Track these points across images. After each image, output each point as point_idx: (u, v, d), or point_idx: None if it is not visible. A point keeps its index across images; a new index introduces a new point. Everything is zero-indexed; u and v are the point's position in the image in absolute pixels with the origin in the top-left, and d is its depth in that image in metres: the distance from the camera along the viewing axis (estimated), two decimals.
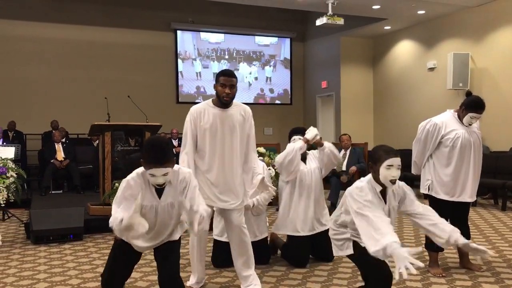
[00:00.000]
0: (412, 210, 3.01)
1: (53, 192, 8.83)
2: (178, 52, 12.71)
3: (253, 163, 3.62)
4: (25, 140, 10.42)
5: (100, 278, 3.22)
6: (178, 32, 12.70)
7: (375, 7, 9.90)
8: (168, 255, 2.91)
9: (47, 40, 11.29)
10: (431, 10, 10.11)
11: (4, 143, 8.47)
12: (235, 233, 3.50)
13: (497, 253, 4.63)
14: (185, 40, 12.83)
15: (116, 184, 5.23)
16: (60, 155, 8.96)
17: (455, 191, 3.92)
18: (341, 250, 3.02)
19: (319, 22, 9.58)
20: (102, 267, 4.05)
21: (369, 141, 11.06)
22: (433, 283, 3.73)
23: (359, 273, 3.42)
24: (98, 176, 6.92)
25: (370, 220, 2.69)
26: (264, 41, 13.66)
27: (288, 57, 13.95)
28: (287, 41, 13.93)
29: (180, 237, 3.03)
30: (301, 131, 4.34)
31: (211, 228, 4.38)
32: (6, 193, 5.32)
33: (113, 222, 2.63)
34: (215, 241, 4.28)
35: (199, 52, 12.96)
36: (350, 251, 2.97)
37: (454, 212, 4.00)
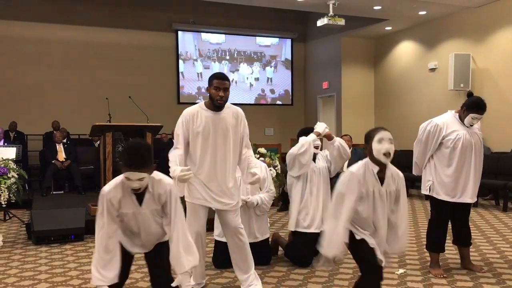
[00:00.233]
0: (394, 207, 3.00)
1: (54, 192, 8.84)
2: (179, 52, 12.72)
3: (248, 159, 3.61)
4: (26, 141, 10.43)
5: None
6: (179, 32, 12.71)
7: (376, 7, 9.90)
8: (157, 256, 2.92)
9: (48, 41, 11.31)
10: (432, 10, 10.11)
11: (6, 144, 8.46)
12: (232, 235, 3.50)
13: (498, 254, 4.63)
14: (186, 40, 12.84)
15: None
16: (61, 155, 8.96)
17: (456, 192, 3.91)
18: None
19: (320, 22, 9.59)
20: None
21: None
22: (434, 284, 3.72)
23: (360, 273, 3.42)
24: (99, 177, 6.92)
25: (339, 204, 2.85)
26: (265, 42, 13.67)
27: (289, 57, 13.96)
28: (288, 41, 13.93)
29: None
30: (310, 132, 4.37)
31: (212, 229, 4.40)
32: (7, 193, 5.31)
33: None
34: (216, 242, 4.29)
35: (200, 52, 12.96)
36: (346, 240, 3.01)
37: (455, 213, 4.00)
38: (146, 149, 2.73)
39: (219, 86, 3.41)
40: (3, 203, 5.34)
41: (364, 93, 12.73)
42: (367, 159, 2.93)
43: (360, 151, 7.83)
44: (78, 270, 4.24)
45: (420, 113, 10.60)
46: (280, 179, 7.22)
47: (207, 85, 3.51)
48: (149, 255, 2.99)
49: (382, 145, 2.83)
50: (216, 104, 3.44)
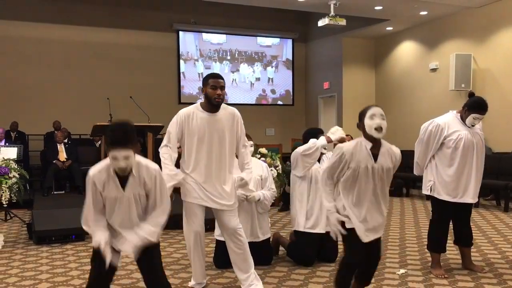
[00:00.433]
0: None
1: (55, 192, 8.83)
2: (180, 53, 12.73)
3: (244, 159, 3.62)
4: (27, 141, 10.44)
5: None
6: (180, 33, 12.72)
7: (377, 8, 9.90)
8: (149, 261, 2.89)
9: (49, 41, 11.31)
10: (433, 11, 10.10)
11: (7, 144, 8.47)
12: (231, 235, 3.49)
13: (499, 254, 4.63)
14: (187, 41, 12.84)
15: None
16: (62, 155, 8.96)
17: (457, 192, 3.91)
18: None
19: (321, 23, 9.59)
20: None
21: None
22: (436, 284, 3.72)
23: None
24: None
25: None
26: (266, 42, 13.67)
27: (290, 58, 13.96)
28: (289, 42, 13.93)
29: (159, 241, 2.94)
30: (317, 132, 4.36)
31: (212, 229, 4.39)
32: (8, 193, 5.32)
33: (94, 244, 2.87)
34: (217, 242, 4.28)
35: (201, 53, 12.97)
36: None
37: (456, 213, 4.00)
38: (132, 127, 2.73)
39: (215, 85, 3.40)
40: (4, 203, 5.34)
41: (365, 93, 12.72)
42: (361, 137, 3.01)
43: None
44: (79, 270, 4.24)
45: (421, 113, 10.59)
46: (281, 179, 7.22)
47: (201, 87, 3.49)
48: (141, 262, 2.93)
49: (373, 121, 2.91)
50: (213, 103, 3.42)
